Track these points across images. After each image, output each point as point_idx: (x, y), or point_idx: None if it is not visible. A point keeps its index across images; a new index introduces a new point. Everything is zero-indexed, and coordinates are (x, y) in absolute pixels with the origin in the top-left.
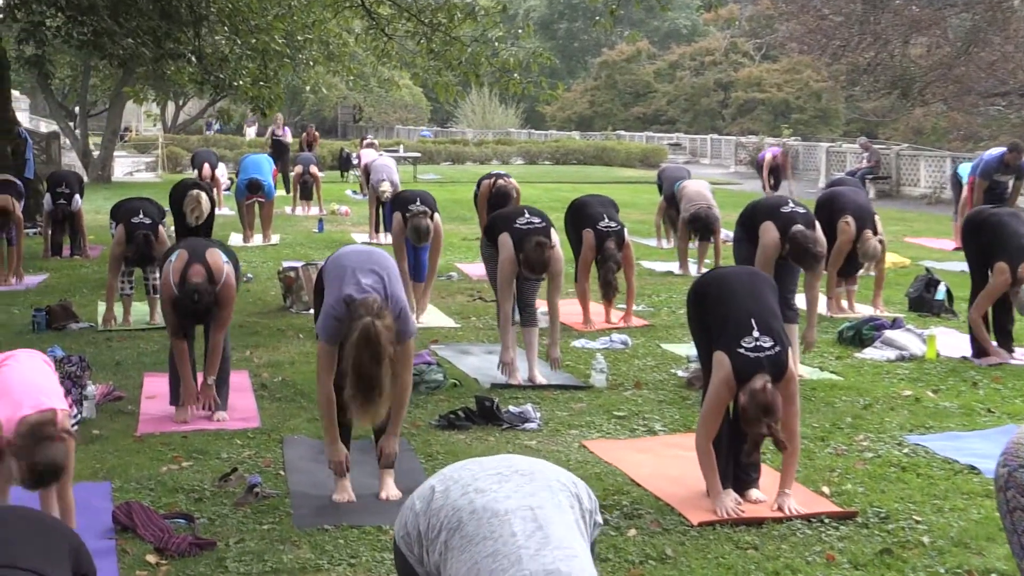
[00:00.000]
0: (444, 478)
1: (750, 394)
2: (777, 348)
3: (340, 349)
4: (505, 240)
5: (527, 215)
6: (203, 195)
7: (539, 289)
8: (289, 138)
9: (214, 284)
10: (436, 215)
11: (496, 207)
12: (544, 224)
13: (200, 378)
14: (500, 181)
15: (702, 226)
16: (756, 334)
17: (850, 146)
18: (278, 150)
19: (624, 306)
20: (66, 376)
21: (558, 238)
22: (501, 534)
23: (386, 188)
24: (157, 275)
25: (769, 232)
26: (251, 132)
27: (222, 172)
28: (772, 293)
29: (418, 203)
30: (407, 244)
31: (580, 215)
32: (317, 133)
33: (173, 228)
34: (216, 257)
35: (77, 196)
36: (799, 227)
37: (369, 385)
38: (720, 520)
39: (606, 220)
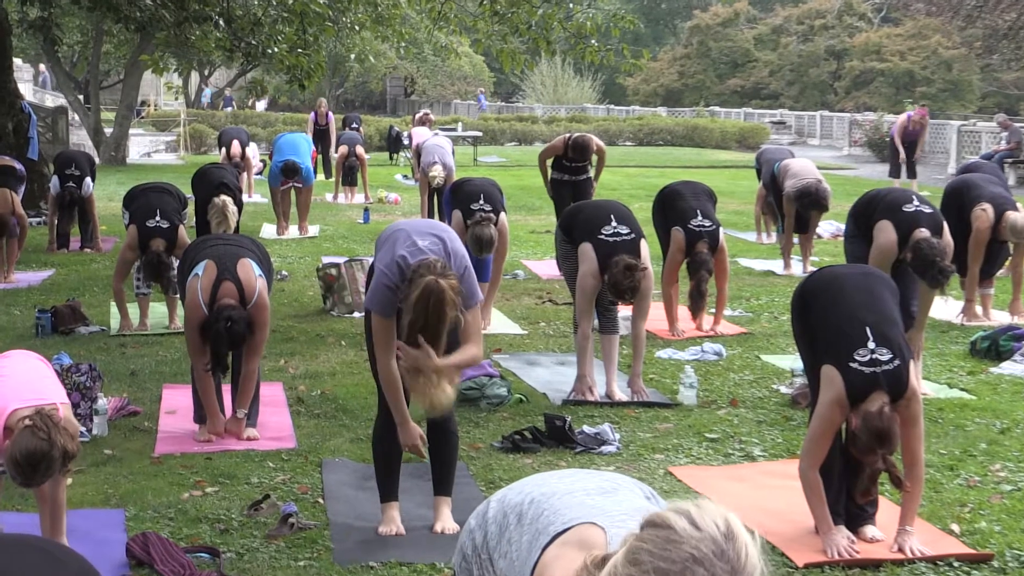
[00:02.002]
0: (503, 490)
1: (864, 418)
2: (896, 362)
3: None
4: (587, 252)
5: (614, 223)
6: (229, 204)
7: None
8: (334, 129)
9: (245, 304)
10: (502, 215)
11: (570, 166)
12: (633, 236)
13: (228, 401)
14: (577, 135)
15: (812, 202)
16: (872, 345)
17: (986, 125)
18: (320, 136)
19: (715, 310)
20: (74, 387)
21: (647, 251)
22: (567, 503)
23: (437, 173)
24: (174, 273)
25: (885, 233)
26: (260, 106)
27: (254, 152)
28: (892, 296)
29: (482, 201)
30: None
31: (670, 209)
32: (332, 114)
33: (195, 220)
34: (248, 271)
35: (88, 179)
36: (924, 233)
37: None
38: (830, 562)
39: (699, 217)
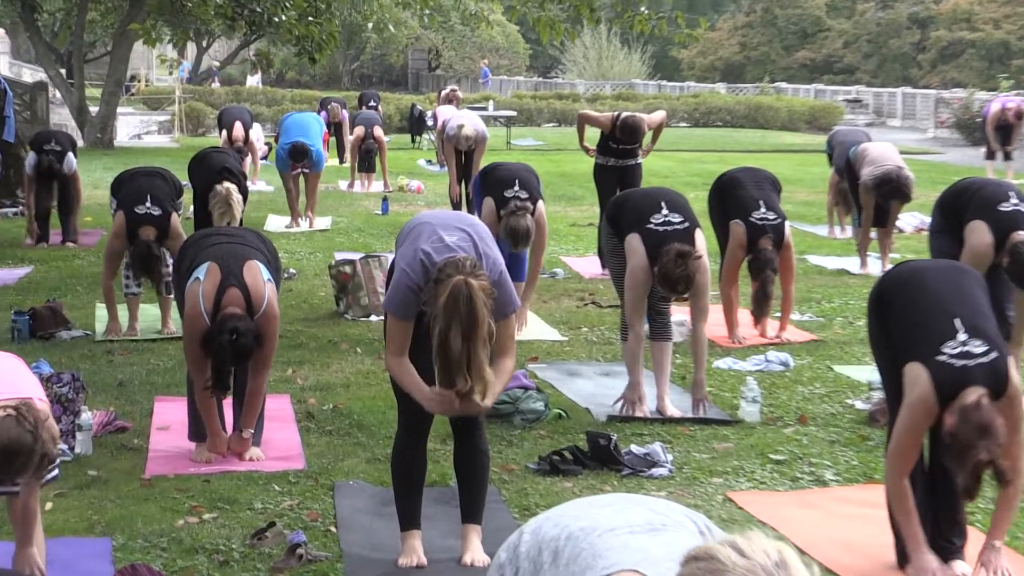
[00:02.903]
0: (538, 519)
1: (960, 413)
2: (993, 354)
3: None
4: (635, 244)
5: (665, 211)
6: (233, 192)
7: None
8: (347, 123)
9: (252, 313)
10: (540, 203)
11: (616, 148)
12: (687, 225)
13: (229, 415)
14: (627, 114)
15: (892, 191)
16: (962, 337)
17: None
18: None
19: (780, 314)
20: (55, 400)
21: (703, 241)
22: (608, 544)
23: (469, 132)
24: (167, 268)
25: (979, 235)
26: (252, 81)
27: (258, 135)
28: (983, 294)
29: (517, 187)
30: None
31: (729, 199)
32: (346, 112)
33: (192, 209)
34: (255, 275)
35: (71, 155)
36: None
37: (459, 366)
38: None
39: (762, 208)
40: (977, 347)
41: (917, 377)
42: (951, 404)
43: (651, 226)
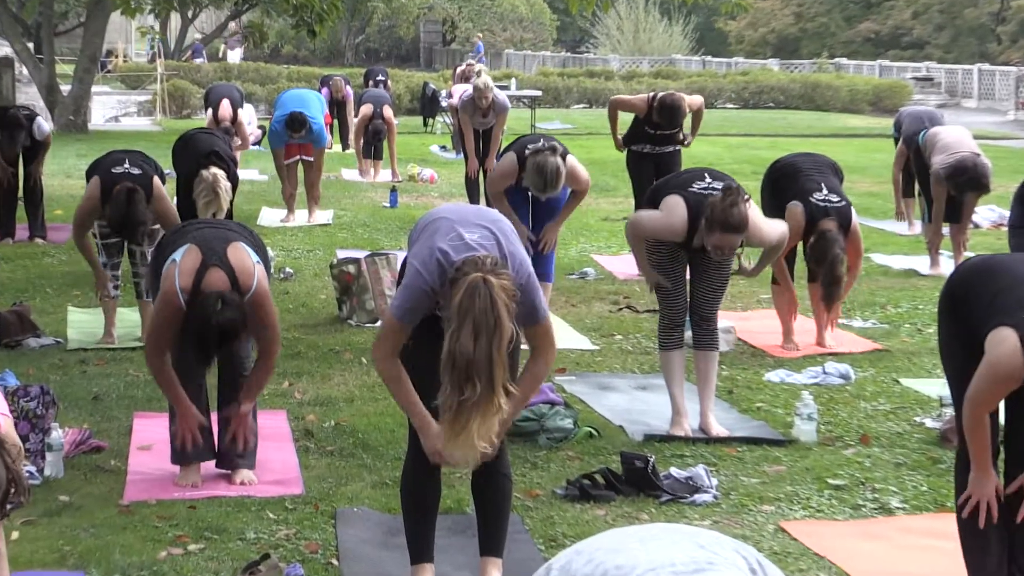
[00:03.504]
0: (567, 553)
1: None
2: None
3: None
4: (675, 202)
5: (708, 179)
6: (220, 178)
7: (725, 290)
8: (352, 104)
9: (241, 295)
10: (571, 157)
11: (653, 134)
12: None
13: (218, 427)
14: (664, 93)
15: (967, 181)
16: None
17: None
18: (336, 106)
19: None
20: (22, 415)
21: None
22: None
23: (486, 82)
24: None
25: None
26: (233, 56)
27: (250, 116)
28: None
29: (541, 143)
30: (522, 205)
31: (785, 183)
32: (350, 89)
33: (176, 203)
34: (241, 255)
35: (41, 120)
36: None
37: (469, 370)
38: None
39: (824, 191)
40: None
41: (1003, 340)
42: None
43: (694, 189)
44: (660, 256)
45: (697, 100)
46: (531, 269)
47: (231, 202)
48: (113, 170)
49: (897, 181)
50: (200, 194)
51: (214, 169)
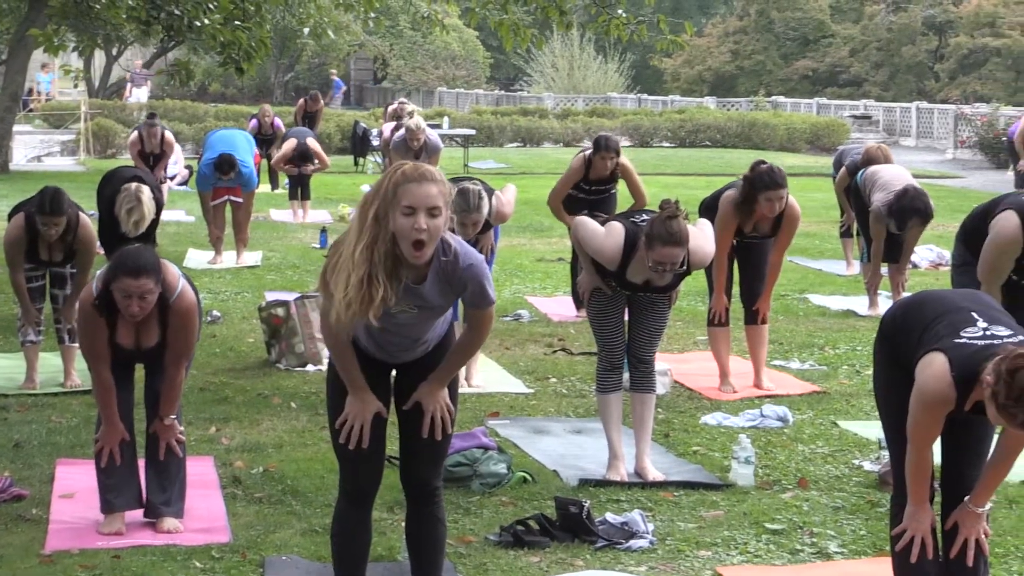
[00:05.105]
0: None
1: (1003, 373)
2: (1021, 338)
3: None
4: (616, 228)
5: (646, 216)
6: (145, 190)
7: (663, 332)
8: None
9: (165, 301)
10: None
11: (594, 203)
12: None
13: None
14: (604, 156)
15: (908, 207)
16: (983, 324)
17: None
18: (265, 143)
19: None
20: None
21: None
22: None
23: (419, 123)
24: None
25: (1007, 222)
26: (139, 95)
27: (177, 156)
28: (1005, 315)
29: (473, 183)
30: None
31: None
32: (279, 121)
33: (98, 240)
34: (168, 266)
35: None
36: None
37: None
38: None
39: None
40: (1001, 332)
41: (930, 363)
42: (981, 376)
43: (633, 220)
44: (599, 299)
45: (625, 164)
46: (481, 257)
47: (155, 230)
48: (38, 214)
49: (844, 202)
50: (123, 202)
51: (137, 183)
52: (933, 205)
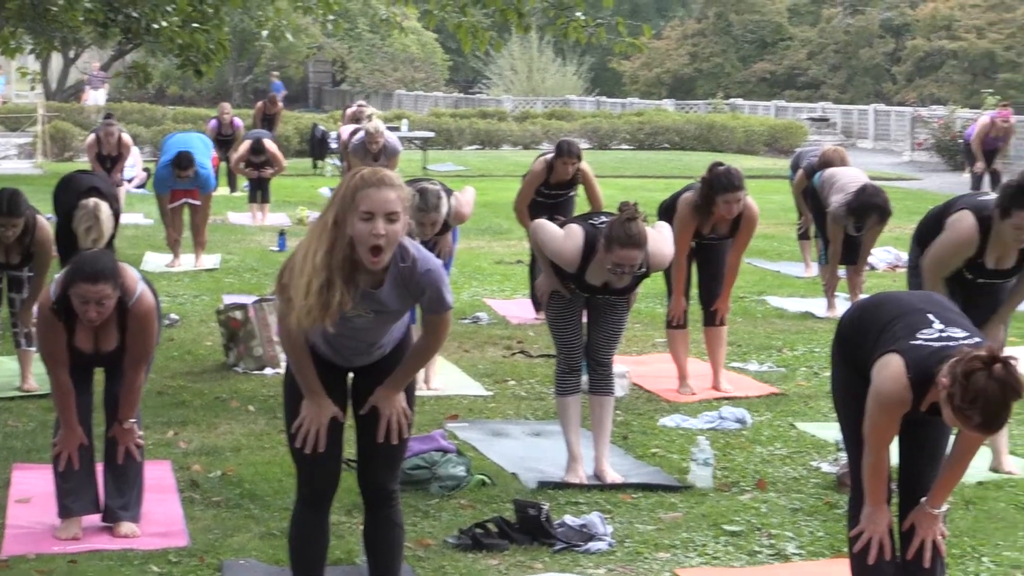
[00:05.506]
0: None
1: (958, 375)
2: (977, 340)
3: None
4: (574, 230)
5: (604, 218)
6: (103, 207)
7: (622, 335)
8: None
9: (124, 304)
10: (457, 195)
11: (554, 207)
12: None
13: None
14: (566, 161)
15: (865, 204)
16: (939, 326)
17: None
18: (224, 145)
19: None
20: None
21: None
22: None
23: (378, 127)
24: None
25: (964, 222)
26: (97, 97)
27: (135, 159)
28: (958, 311)
29: (432, 183)
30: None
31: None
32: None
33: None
34: (127, 268)
35: None
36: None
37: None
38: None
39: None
40: (958, 333)
41: (886, 364)
42: (937, 377)
43: (592, 222)
44: (558, 302)
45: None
46: (439, 262)
47: (113, 238)
48: None
49: (801, 202)
50: (81, 220)
51: (95, 199)
52: (888, 201)
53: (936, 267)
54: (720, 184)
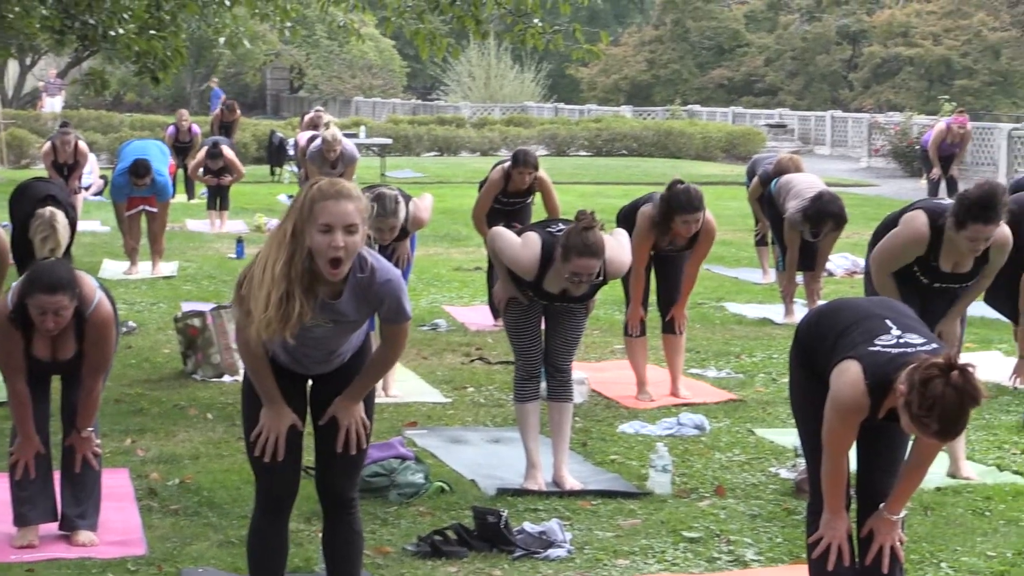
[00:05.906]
0: None
1: (916, 382)
2: (935, 346)
3: None
4: (532, 238)
5: (562, 226)
6: (59, 216)
7: (580, 341)
8: (198, 142)
9: (81, 312)
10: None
11: (511, 213)
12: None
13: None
14: (523, 170)
15: (822, 211)
16: (897, 332)
17: None
18: (182, 152)
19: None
20: None
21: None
22: None
23: (336, 135)
24: None
25: (917, 220)
26: (53, 104)
27: (91, 165)
28: (919, 322)
29: (390, 188)
30: None
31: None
32: (197, 128)
33: (12, 255)
34: (85, 277)
35: None
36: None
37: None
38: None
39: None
40: (915, 340)
41: (845, 370)
42: (894, 385)
43: (550, 230)
44: (515, 309)
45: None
46: (398, 272)
47: (70, 247)
48: None
49: (757, 211)
50: (37, 230)
51: (51, 208)
52: (843, 206)
53: (883, 261)
54: (679, 203)
